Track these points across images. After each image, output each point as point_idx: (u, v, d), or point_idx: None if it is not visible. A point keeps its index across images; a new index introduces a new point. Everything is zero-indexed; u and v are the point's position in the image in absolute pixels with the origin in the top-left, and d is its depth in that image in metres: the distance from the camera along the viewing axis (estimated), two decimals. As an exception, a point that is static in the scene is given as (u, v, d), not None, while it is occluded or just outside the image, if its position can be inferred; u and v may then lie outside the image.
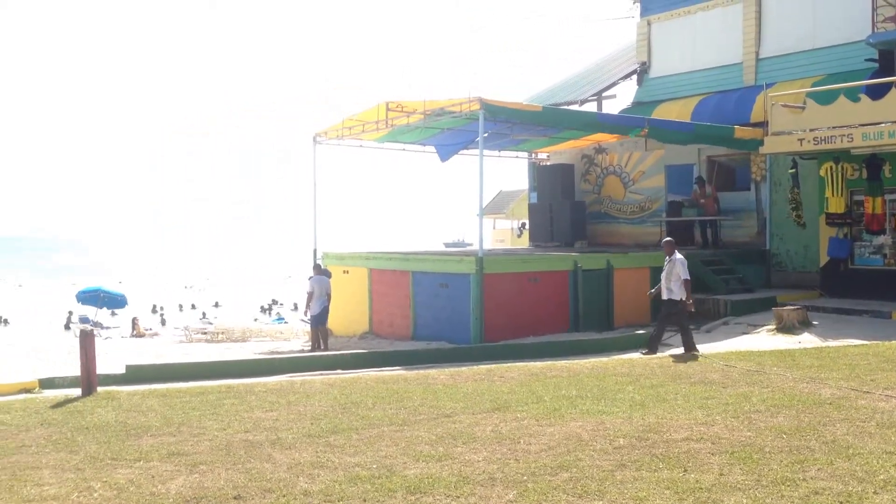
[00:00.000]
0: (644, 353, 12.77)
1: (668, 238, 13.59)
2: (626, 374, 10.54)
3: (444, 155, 21.68)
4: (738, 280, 18.20)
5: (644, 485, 5.70)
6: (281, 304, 47.32)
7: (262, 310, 43.70)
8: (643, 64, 23.11)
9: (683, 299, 12.72)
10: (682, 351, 12.52)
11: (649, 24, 22.91)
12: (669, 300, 12.79)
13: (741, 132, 18.42)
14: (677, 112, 20.53)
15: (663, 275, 12.95)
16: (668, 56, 22.51)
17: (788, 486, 5.59)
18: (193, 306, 49.27)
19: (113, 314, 34.10)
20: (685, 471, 6.01)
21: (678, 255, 12.86)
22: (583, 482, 5.78)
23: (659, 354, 12.76)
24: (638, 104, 22.85)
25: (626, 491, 5.57)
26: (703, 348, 12.99)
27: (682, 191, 21.23)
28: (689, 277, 12.83)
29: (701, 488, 5.59)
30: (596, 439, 7.01)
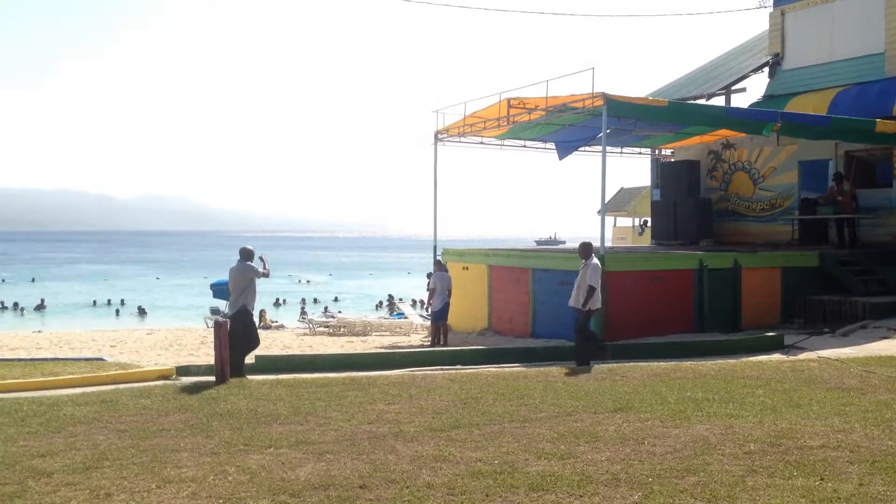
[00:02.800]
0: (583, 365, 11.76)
1: (585, 241, 12.67)
2: (756, 377, 10.16)
3: (562, 153, 21.45)
4: (879, 282, 17.21)
5: (777, 492, 5.47)
6: (400, 300, 48.20)
7: (378, 305, 44.58)
8: (776, 55, 22.15)
9: (581, 307, 11.87)
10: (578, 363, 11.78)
11: (783, 13, 21.94)
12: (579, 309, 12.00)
13: (883, 125, 17.39)
14: (813, 105, 19.59)
15: (577, 281, 12.15)
16: (803, 47, 21.50)
17: (937, 500, 5.24)
18: (315, 300, 50.81)
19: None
20: (822, 479, 5.74)
21: (593, 261, 12.09)
22: (711, 487, 5.60)
23: (791, 357, 12.23)
24: (770, 97, 21.94)
25: (757, 498, 5.36)
26: (839, 353, 12.36)
27: (817, 188, 20.25)
28: (596, 286, 11.88)
29: (839, 498, 5.32)
30: (724, 443, 6.78)
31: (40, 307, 47.21)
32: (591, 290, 11.88)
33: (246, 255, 11.74)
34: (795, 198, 20.80)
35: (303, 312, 39.80)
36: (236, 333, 11.24)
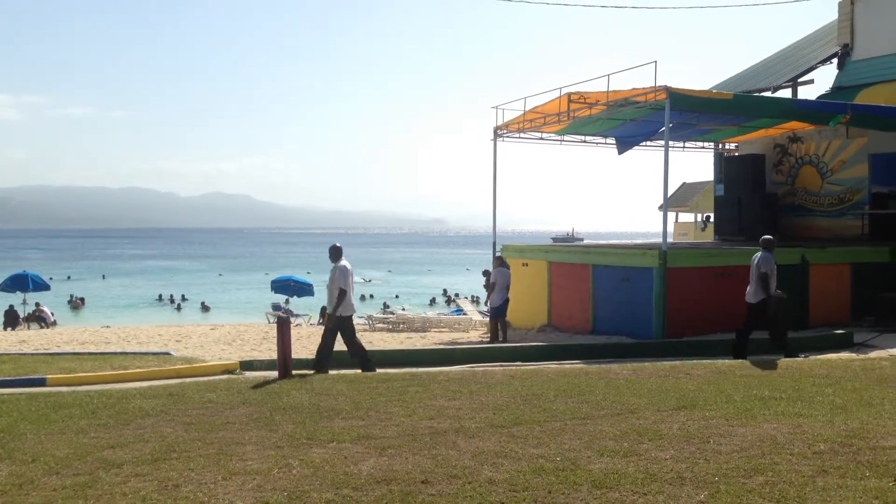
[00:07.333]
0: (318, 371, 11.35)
1: (335, 244, 11.89)
2: (825, 375, 9.89)
3: (622, 148, 21.19)
4: (953, 279, 16.63)
5: (849, 493, 5.30)
6: (456, 295, 48.26)
7: (432, 301, 44.67)
8: (845, 46, 21.53)
9: (335, 313, 11.42)
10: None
11: (852, 3, 21.30)
12: (337, 315, 11.49)
13: (959, 116, 16.80)
14: (885, 96, 18.99)
15: (327, 285, 11.68)
16: (873, 37, 20.85)
17: None
18: (372, 296, 51.21)
19: (286, 302, 35.48)
20: (895, 481, 5.55)
21: (341, 262, 11.47)
22: (780, 487, 5.46)
23: (861, 356, 11.88)
24: (839, 89, 21.33)
25: (828, 499, 5.21)
26: (913, 351, 11.97)
27: (889, 181, 19.64)
28: (344, 288, 11.36)
29: (915, 501, 5.14)
30: (793, 443, 6.61)
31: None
32: (342, 293, 11.43)
33: None
34: (865, 192, 20.21)
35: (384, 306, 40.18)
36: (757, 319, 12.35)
